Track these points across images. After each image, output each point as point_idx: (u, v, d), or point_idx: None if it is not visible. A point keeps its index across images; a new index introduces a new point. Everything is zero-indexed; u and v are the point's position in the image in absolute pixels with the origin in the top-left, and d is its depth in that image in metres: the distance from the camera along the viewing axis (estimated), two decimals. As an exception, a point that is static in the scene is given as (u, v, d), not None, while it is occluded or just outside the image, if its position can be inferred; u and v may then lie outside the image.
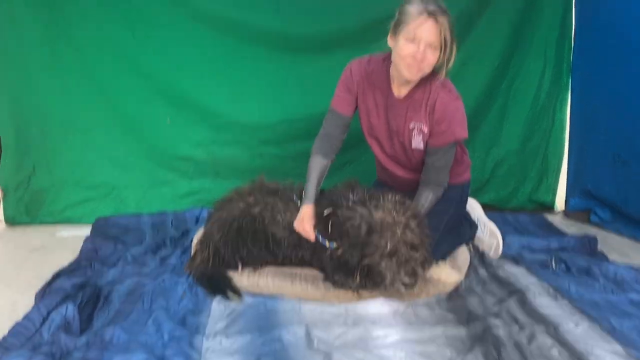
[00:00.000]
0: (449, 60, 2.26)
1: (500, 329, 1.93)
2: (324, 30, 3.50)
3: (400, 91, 2.40)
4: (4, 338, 1.82)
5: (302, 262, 2.40)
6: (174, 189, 3.60)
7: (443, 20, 2.17)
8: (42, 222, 3.45)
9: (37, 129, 3.39)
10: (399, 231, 2.09)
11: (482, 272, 2.50)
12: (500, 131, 3.75)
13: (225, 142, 3.59)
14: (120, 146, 3.50)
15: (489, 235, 2.77)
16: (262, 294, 2.25)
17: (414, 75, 2.28)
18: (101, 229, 3.16)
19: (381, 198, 2.22)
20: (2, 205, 3.46)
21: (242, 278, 2.31)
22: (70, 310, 1.96)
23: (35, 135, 3.40)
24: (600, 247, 2.87)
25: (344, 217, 2.20)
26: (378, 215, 2.13)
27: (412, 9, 2.18)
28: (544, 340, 1.87)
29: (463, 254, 2.59)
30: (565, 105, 3.74)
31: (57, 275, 2.36)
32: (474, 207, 2.92)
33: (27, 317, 1.91)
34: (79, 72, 3.36)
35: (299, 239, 2.36)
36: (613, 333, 1.92)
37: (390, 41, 2.29)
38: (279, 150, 3.63)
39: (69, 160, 3.46)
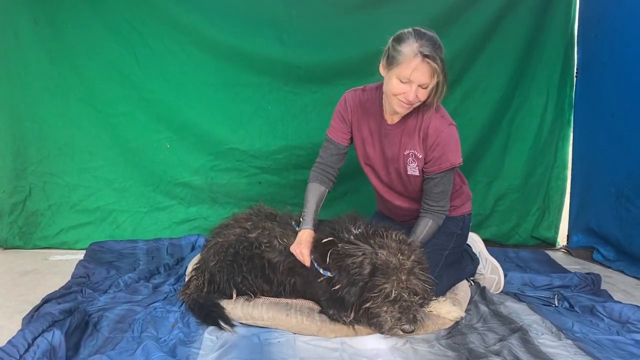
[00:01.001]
0: (440, 95, 2.24)
1: (501, 368, 1.86)
2: (326, 61, 3.54)
3: (392, 119, 2.40)
4: (-15, 364, 1.75)
5: (294, 290, 2.35)
6: (171, 216, 3.59)
7: (437, 63, 2.13)
8: (35, 246, 3.42)
9: (35, 152, 3.39)
10: (404, 277, 2.03)
11: (483, 308, 2.44)
12: (502, 165, 3.76)
13: (224, 169, 3.59)
14: (119, 171, 3.50)
15: (491, 270, 2.73)
16: (256, 325, 2.19)
17: (404, 110, 2.28)
18: (95, 254, 3.13)
19: (385, 235, 2.16)
20: (-4, 228, 3.42)
21: (236, 308, 2.25)
22: (57, 336, 1.89)
23: (33, 158, 3.40)
24: (603, 286, 2.81)
25: (345, 250, 2.14)
26: (383, 255, 2.07)
27: (407, 49, 2.14)
28: (547, 381, 1.80)
29: (464, 288, 2.54)
30: (568, 141, 3.76)
31: (46, 300, 2.30)
32: (475, 242, 2.88)
33: (10, 342, 1.84)
34: (81, 96, 3.39)
35: (294, 263, 2.31)
36: (618, 375, 1.86)
37: (382, 70, 2.28)
38: (278, 179, 3.63)
39: (66, 184, 3.45)
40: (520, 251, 3.52)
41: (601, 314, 2.39)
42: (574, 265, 3.30)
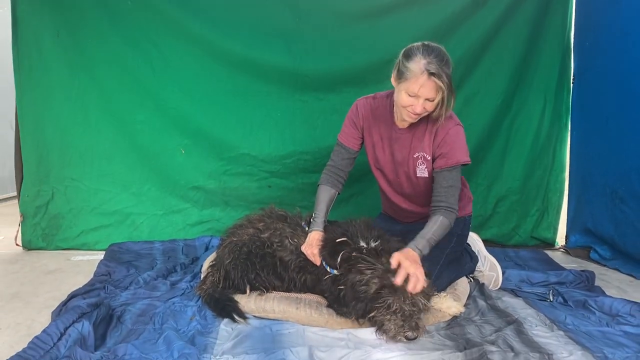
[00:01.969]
0: (449, 106, 2.36)
1: (495, 354, 1.99)
2: (333, 69, 3.67)
3: (403, 124, 2.54)
4: (24, 350, 1.91)
5: (304, 286, 2.49)
6: (186, 218, 3.73)
7: (442, 80, 2.25)
8: (57, 247, 3.58)
9: (57, 158, 3.56)
10: (409, 295, 2.14)
11: (481, 302, 2.56)
12: (502, 168, 3.86)
13: (236, 174, 3.74)
14: (136, 175, 3.66)
15: (489, 267, 2.85)
16: (268, 318, 2.34)
17: (413, 120, 2.44)
18: (114, 254, 3.28)
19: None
20: (20, 230, 3.59)
21: (249, 302, 2.40)
22: (86, 326, 2.05)
23: (55, 163, 3.57)
24: (599, 283, 2.92)
25: (357, 260, 2.24)
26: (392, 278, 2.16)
27: (414, 66, 2.26)
28: (537, 367, 1.93)
29: (463, 284, 2.66)
30: (565, 144, 3.86)
31: (72, 296, 2.46)
32: (475, 241, 3.00)
33: (45, 331, 2.00)
34: (100, 105, 3.56)
35: (305, 262, 2.46)
36: (606, 363, 1.98)
37: (393, 82, 2.43)
38: (287, 182, 3.76)
39: (86, 188, 3.61)
40: (520, 251, 3.62)
41: (593, 307, 2.49)
42: (572, 264, 3.40)
